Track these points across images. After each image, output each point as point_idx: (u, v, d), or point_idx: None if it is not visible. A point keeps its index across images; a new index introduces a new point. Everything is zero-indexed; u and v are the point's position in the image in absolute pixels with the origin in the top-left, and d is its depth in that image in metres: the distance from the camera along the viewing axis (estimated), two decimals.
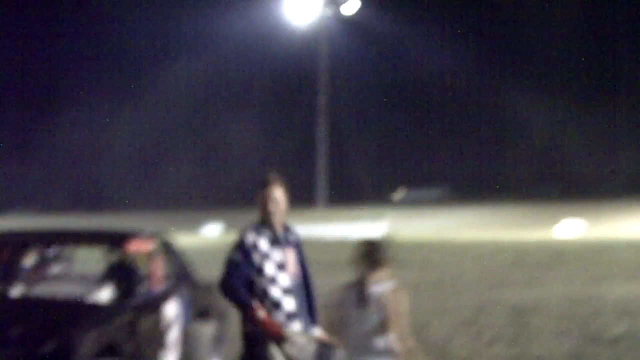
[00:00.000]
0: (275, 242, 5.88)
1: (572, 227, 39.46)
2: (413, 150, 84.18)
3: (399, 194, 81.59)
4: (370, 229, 42.44)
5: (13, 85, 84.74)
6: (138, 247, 7.74)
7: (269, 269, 5.79)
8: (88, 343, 6.02)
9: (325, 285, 19.31)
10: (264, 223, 5.93)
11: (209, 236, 42.37)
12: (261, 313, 5.55)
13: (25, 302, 7.22)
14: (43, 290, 7.63)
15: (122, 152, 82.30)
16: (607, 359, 9.73)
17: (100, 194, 78.43)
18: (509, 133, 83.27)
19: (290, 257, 5.96)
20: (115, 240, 7.82)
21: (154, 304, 7.54)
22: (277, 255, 5.85)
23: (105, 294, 7.32)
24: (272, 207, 5.91)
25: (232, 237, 6.11)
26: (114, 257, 8.00)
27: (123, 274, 7.27)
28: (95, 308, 6.96)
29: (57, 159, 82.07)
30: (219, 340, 8.93)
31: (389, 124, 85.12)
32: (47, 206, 71.00)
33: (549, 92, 79.70)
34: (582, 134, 77.17)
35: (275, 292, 5.77)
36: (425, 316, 13.62)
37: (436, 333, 11.84)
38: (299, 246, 6.16)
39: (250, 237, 5.84)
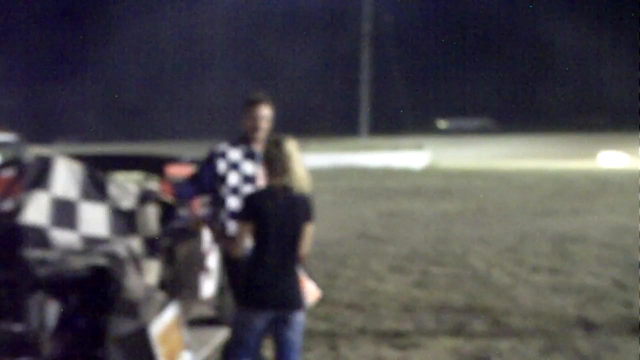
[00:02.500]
0: (249, 155, 5.77)
1: (616, 158, 39.03)
2: (456, 79, 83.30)
3: (442, 124, 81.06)
4: (412, 158, 42.38)
5: (58, 14, 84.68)
6: (177, 172, 7.69)
7: (233, 179, 5.71)
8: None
9: (367, 212, 19.40)
10: (244, 139, 5.82)
11: None
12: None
13: None
14: None
15: (169, 80, 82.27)
16: None
17: (146, 123, 78.71)
18: (555, 63, 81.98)
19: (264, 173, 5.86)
20: (154, 164, 7.74)
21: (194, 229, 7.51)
22: (248, 167, 5.74)
23: None
24: (258, 124, 5.79)
25: None
26: (152, 182, 7.97)
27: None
28: None
29: (103, 87, 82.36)
30: None
31: (432, 52, 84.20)
32: (94, 135, 71.44)
33: (597, 22, 78.12)
34: (627, 65, 75.85)
35: (233, 202, 5.67)
36: (468, 244, 13.60)
37: (478, 261, 11.80)
38: None
39: (221, 147, 5.76)
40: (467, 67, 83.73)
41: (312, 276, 5.87)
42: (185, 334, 5.62)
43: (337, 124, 71.61)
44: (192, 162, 8.00)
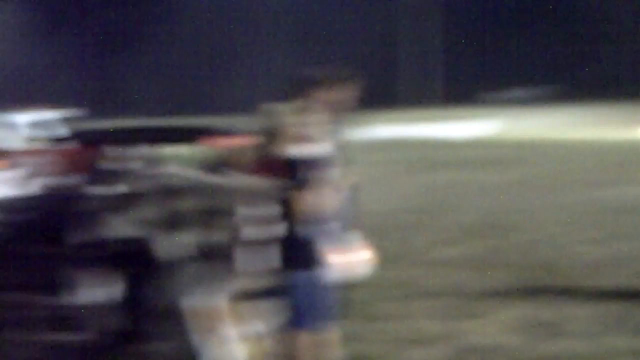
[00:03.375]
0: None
1: None
2: (517, 48, 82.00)
3: (510, 93, 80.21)
4: (482, 127, 42.06)
5: None
6: (216, 144, 7.50)
7: None
8: None
9: (437, 181, 19.29)
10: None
11: None
12: None
13: None
14: None
15: (229, 52, 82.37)
16: None
17: (211, 96, 78.89)
18: (616, 31, 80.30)
19: None
20: (187, 136, 7.60)
21: None
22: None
23: None
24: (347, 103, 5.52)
25: None
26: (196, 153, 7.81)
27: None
28: None
29: (167, 61, 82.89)
30: None
31: (498, 22, 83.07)
32: (159, 109, 71.60)
33: None
34: None
35: None
36: (534, 213, 13.44)
37: (524, 234, 11.59)
38: None
39: None
40: (533, 36, 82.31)
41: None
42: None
43: (405, 93, 71.14)
44: (232, 132, 7.76)
